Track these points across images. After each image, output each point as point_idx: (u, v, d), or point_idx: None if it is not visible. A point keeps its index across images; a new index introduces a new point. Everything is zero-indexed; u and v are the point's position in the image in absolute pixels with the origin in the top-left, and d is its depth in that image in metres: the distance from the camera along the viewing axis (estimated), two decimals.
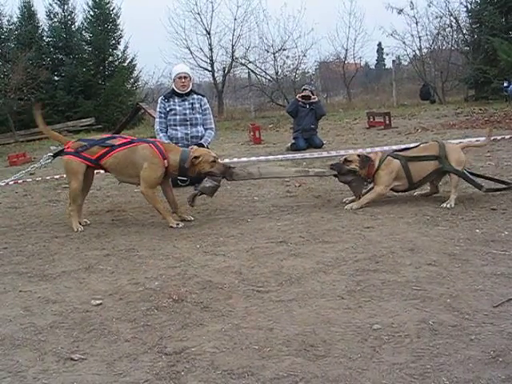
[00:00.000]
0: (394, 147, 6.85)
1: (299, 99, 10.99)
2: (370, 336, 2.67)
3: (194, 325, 2.94)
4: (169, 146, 5.42)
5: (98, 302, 3.36)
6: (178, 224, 5.16)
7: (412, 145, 6.01)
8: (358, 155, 5.50)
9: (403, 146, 6.20)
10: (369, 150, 7.27)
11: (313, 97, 10.97)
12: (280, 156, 9.20)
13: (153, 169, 5.13)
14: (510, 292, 3.06)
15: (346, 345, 2.60)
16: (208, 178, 5.15)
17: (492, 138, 8.90)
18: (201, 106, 6.98)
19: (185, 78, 6.94)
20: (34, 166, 6.08)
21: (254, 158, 9.06)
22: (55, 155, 5.57)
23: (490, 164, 6.93)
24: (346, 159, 5.48)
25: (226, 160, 9.01)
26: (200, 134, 7.04)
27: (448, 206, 5.07)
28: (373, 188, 5.48)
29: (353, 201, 5.47)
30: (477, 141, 6.42)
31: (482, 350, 2.44)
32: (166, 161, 5.13)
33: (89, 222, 5.54)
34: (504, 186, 5.43)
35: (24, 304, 3.42)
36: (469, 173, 5.37)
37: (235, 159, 9.14)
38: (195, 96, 7.01)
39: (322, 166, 6.99)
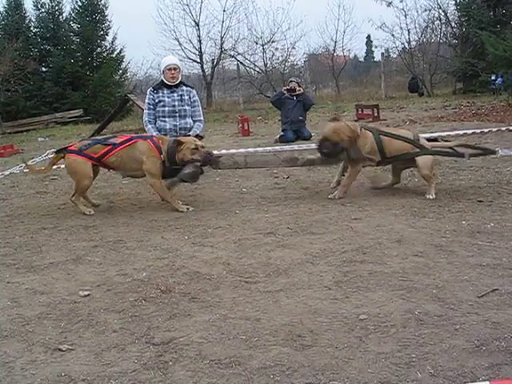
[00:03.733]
0: None
1: (285, 92, 10.99)
2: (356, 326, 2.69)
3: (181, 315, 2.96)
4: (163, 139, 5.58)
5: (86, 293, 3.36)
6: (187, 208, 5.39)
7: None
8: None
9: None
10: None
11: (298, 88, 10.94)
12: (269, 148, 9.21)
13: (151, 161, 5.39)
14: (494, 282, 3.10)
15: (332, 335, 2.63)
16: (188, 165, 5.33)
17: (479, 131, 9.02)
18: (190, 97, 6.95)
19: (174, 69, 6.91)
20: (34, 160, 6.06)
21: (242, 150, 9.07)
22: (58, 151, 5.74)
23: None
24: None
25: (215, 152, 9.02)
26: (189, 126, 7.01)
27: (430, 196, 5.15)
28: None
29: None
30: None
31: (467, 340, 2.48)
32: (162, 155, 5.37)
33: (100, 203, 5.89)
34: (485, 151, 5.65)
35: (11, 295, 3.41)
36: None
37: (224, 151, 9.15)
38: (184, 88, 6.98)
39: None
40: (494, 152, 5.62)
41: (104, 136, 5.75)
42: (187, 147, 5.30)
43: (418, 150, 5.30)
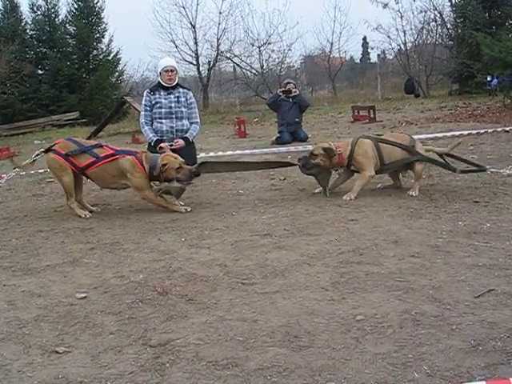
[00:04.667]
0: None
1: (280, 93, 10.99)
2: (353, 327, 2.70)
3: (178, 317, 2.96)
4: (147, 154, 5.62)
5: (83, 295, 3.36)
6: (186, 209, 5.46)
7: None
8: (324, 148, 5.50)
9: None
10: None
11: (293, 90, 10.95)
12: (265, 149, 9.22)
13: (138, 177, 5.48)
14: (490, 283, 3.11)
15: (329, 335, 2.63)
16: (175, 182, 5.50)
17: (475, 132, 9.04)
18: (186, 99, 6.95)
19: (171, 71, 6.91)
20: (25, 161, 6.03)
21: (238, 152, 9.08)
22: (46, 151, 5.71)
23: (473, 157, 6.97)
24: (311, 153, 5.56)
25: (211, 153, 9.04)
26: (185, 128, 7.01)
27: (413, 193, 5.29)
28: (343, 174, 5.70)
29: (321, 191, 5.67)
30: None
31: (463, 340, 2.48)
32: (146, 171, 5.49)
33: (99, 210, 5.80)
34: (476, 168, 5.66)
35: (8, 298, 3.41)
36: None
37: (220, 153, 9.16)
38: (181, 90, 6.98)
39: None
40: (484, 169, 5.64)
41: (90, 144, 5.71)
42: (171, 167, 5.41)
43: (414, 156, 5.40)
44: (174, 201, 5.62)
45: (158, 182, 5.56)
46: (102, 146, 5.71)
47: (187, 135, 6.79)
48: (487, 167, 5.65)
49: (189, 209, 5.47)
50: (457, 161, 5.70)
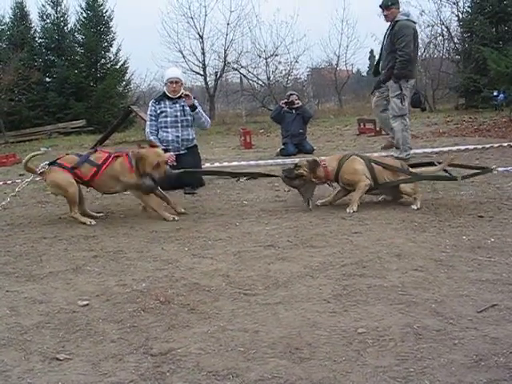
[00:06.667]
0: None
1: (283, 105, 11.04)
2: (354, 339, 2.69)
3: (180, 326, 2.95)
4: (133, 152, 5.63)
5: (85, 302, 3.36)
6: (173, 218, 5.47)
7: None
8: (307, 160, 5.60)
9: None
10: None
11: (296, 101, 10.99)
12: (270, 161, 9.23)
13: (127, 177, 5.49)
14: (494, 298, 3.09)
15: (330, 348, 2.62)
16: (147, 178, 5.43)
17: (481, 147, 9.04)
18: None
19: (176, 83, 6.96)
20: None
21: (244, 163, 9.10)
22: (50, 164, 5.67)
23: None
24: (296, 164, 5.61)
25: (216, 164, 9.06)
26: (191, 137, 7.06)
27: (415, 207, 5.31)
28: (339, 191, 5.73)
29: (324, 204, 5.72)
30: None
31: (465, 355, 2.47)
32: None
33: (103, 215, 5.86)
34: (480, 171, 5.70)
35: (10, 304, 3.41)
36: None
37: (225, 163, 9.18)
38: None
39: None
40: (490, 170, 5.65)
41: (85, 154, 5.79)
42: (149, 162, 5.37)
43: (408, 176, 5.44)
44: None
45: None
46: (96, 151, 5.79)
47: (196, 104, 6.96)
48: (493, 167, 5.66)
49: (177, 218, 5.48)
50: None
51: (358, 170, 5.44)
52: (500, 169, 5.82)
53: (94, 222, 5.50)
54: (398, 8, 8.08)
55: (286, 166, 6.04)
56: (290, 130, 10.73)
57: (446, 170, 5.62)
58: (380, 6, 8.11)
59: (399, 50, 7.81)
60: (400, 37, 7.79)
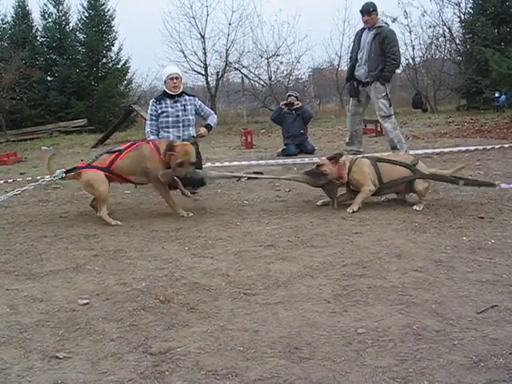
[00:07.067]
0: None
1: (283, 106, 11.04)
2: (354, 340, 2.69)
3: (179, 325, 2.96)
4: (162, 142, 5.70)
5: (85, 301, 3.36)
6: (188, 213, 5.58)
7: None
8: (328, 157, 5.60)
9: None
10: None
11: (296, 102, 11.00)
12: (271, 161, 9.24)
13: (153, 163, 5.49)
14: (494, 299, 3.09)
15: (330, 348, 2.62)
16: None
17: (482, 148, 9.04)
18: (195, 105, 6.99)
19: (176, 78, 6.92)
20: (44, 179, 5.96)
21: (244, 163, 9.10)
22: (67, 172, 5.65)
23: (479, 173, 6.97)
24: (317, 165, 5.60)
25: (217, 163, 9.07)
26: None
27: (417, 208, 5.31)
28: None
29: (324, 203, 5.72)
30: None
31: (465, 355, 2.47)
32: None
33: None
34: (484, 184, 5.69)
35: (10, 302, 3.41)
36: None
37: (226, 163, 9.18)
38: (187, 97, 7.00)
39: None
40: (493, 185, 5.63)
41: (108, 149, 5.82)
42: (174, 157, 5.38)
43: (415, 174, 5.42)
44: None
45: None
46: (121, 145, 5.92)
47: (209, 122, 6.94)
48: (497, 183, 5.64)
49: (191, 214, 5.56)
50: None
51: (365, 172, 5.45)
52: (503, 185, 5.80)
53: (119, 223, 5.40)
54: (377, 14, 8.46)
55: (305, 169, 6.04)
56: (291, 130, 10.72)
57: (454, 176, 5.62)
58: (361, 12, 8.44)
59: (392, 53, 8.23)
60: (390, 42, 8.24)
